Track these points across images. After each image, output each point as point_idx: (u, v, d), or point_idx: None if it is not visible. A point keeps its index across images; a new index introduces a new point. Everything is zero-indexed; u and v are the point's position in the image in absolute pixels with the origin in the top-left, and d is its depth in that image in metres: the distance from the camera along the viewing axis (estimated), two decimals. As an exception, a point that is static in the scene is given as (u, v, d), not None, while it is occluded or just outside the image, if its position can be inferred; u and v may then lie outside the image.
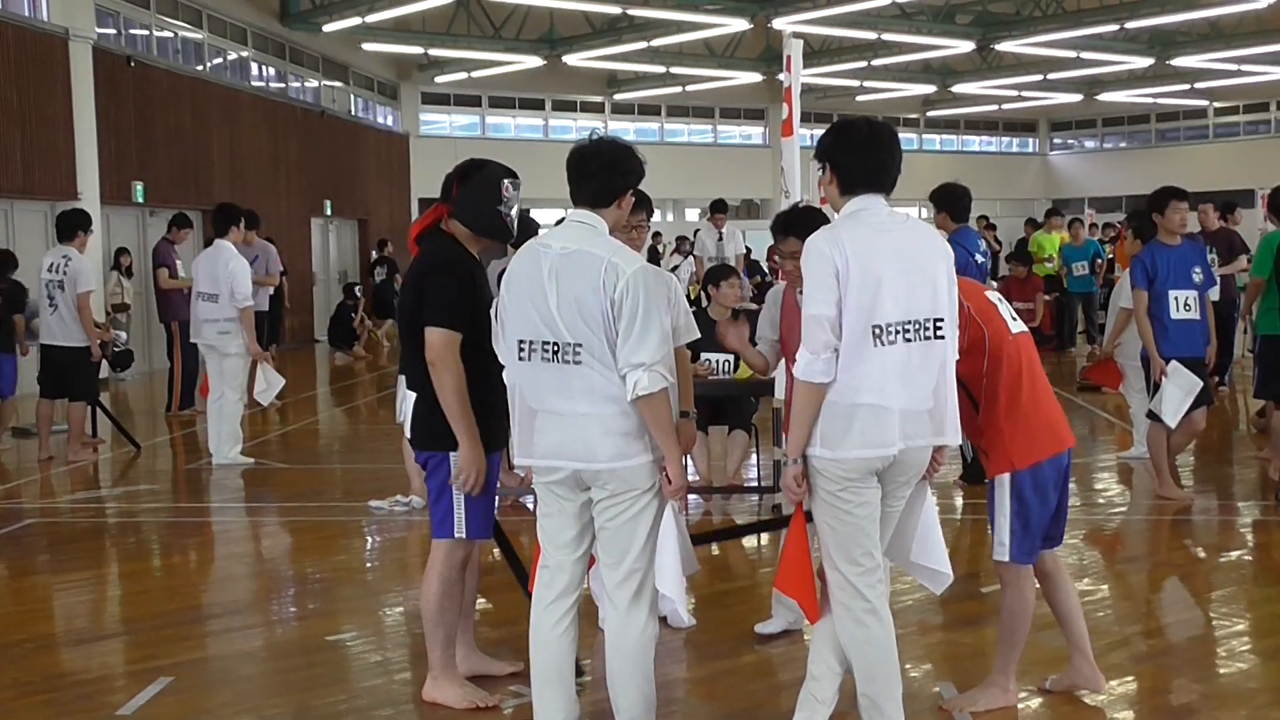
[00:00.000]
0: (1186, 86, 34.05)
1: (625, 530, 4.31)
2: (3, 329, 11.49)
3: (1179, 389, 8.21)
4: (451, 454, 4.86)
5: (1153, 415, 8.46)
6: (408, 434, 5.19)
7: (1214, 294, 9.15)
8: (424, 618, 5.05)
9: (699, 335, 6.17)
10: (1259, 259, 9.31)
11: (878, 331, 4.12)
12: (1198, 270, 8.43)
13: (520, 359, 4.34)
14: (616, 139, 4.54)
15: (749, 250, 19.83)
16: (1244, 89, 34.99)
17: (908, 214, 4.37)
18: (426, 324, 4.80)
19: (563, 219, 4.59)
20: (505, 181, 4.91)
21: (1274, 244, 9.02)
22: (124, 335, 13.96)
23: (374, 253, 26.24)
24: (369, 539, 8.23)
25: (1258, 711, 4.92)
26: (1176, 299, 8.31)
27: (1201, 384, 8.29)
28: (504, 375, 4.47)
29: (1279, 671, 5.40)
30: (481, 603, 5.46)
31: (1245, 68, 30.87)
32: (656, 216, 29.10)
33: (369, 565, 7.73)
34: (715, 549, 7.68)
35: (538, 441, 4.35)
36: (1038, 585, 4.87)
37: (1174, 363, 8.23)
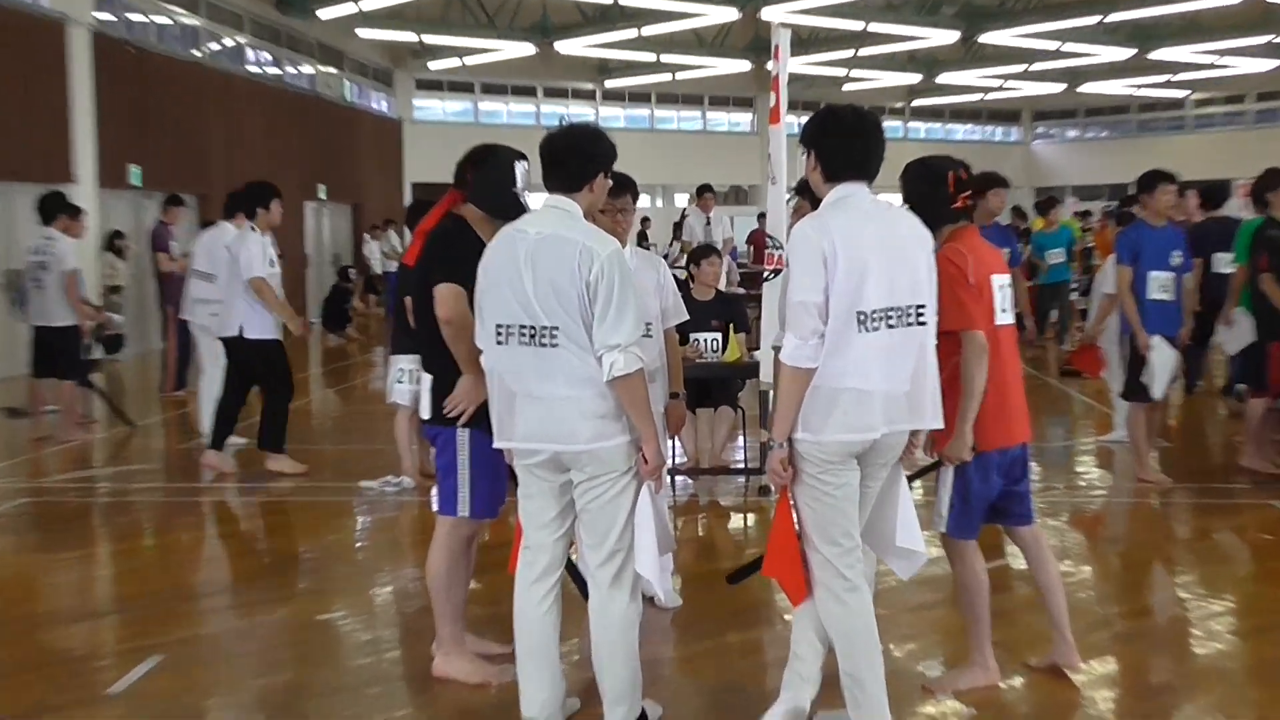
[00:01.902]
0: (1166, 78, 34.06)
1: (607, 511, 4.24)
2: None
3: (1162, 363, 8.16)
4: (459, 429, 4.79)
5: (1131, 394, 8.41)
6: (415, 412, 5.03)
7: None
8: (431, 593, 5.01)
9: (687, 317, 6.10)
10: (1239, 247, 9.25)
11: (862, 318, 4.04)
12: (1177, 254, 8.35)
13: (499, 343, 4.25)
14: (586, 124, 4.45)
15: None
16: (1222, 81, 34.94)
17: (890, 202, 4.30)
18: (437, 282, 4.68)
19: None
20: (517, 164, 4.82)
21: (1249, 231, 8.96)
22: (119, 318, 13.83)
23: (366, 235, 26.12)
24: (360, 518, 8.19)
25: (1234, 691, 4.90)
26: (1155, 280, 8.26)
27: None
28: (482, 360, 4.38)
29: (1256, 651, 5.37)
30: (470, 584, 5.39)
31: (1222, 60, 30.83)
32: (644, 201, 29.16)
33: (359, 545, 7.68)
34: (701, 530, 7.64)
35: (518, 424, 4.26)
36: (1024, 562, 4.82)
37: (1157, 337, 8.17)
